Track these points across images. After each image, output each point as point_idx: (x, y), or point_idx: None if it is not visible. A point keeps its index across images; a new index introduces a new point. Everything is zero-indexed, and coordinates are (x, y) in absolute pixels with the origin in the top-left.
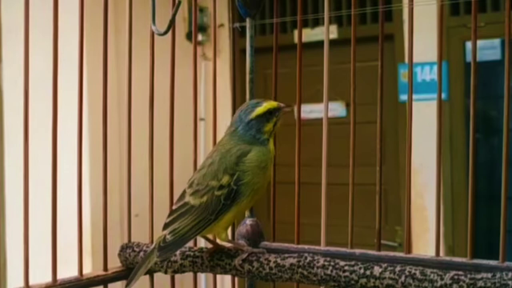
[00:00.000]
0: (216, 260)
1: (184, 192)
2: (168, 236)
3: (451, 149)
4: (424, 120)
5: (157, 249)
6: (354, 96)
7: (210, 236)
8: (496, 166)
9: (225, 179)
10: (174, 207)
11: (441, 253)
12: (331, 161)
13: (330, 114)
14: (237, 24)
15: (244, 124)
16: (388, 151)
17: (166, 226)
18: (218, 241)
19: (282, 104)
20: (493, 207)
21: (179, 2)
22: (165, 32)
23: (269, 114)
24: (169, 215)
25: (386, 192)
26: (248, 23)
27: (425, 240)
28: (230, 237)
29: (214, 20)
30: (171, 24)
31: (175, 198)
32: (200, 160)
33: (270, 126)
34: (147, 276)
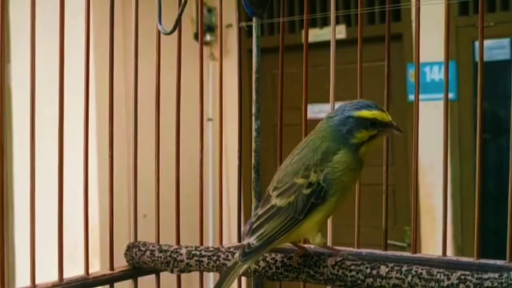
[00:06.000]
0: (223, 260)
1: (269, 196)
2: (253, 242)
3: (460, 149)
4: (433, 120)
5: (241, 254)
6: (361, 96)
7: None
8: (505, 166)
9: (314, 177)
10: (260, 212)
11: (451, 253)
12: None
13: None
14: (243, 24)
15: (342, 117)
16: (397, 151)
17: (252, 232)
18: (307, 245)
19: (394, 123)
20: (503, 207)
21: (185, 1)
22: (171, 32)
23: (372, 123)
24: (255, 221)
25: (395, 192)
26: (254, 22)
27: (434, 240)
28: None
29: (220, 20)
30: (177, 24)
31: (182, 197)
32: (207, 160)
33: (365, 136)
34: (153, 276)
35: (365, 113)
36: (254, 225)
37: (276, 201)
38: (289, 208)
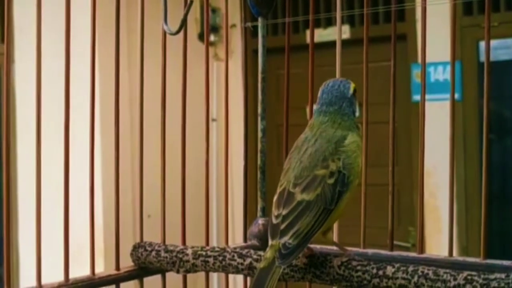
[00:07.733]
0: (229, 260)
1: (290, 194)
2: (289, 241)
3: (465, 149)
4: (437, 120)
5: (278, 257)
6: (366, 96)
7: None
8: (509, 166)
9: (333, 165)
10: (284, 212)
11: (455, 253)
12: None
13: None
14: (248, 24)
15: (346, 99)
16: (401, 151)
17: (282, 233)
18: (312, 246)
19: None
20: (507, 208)
21: (191, 2)
22: (177, 32)
23: (355, 91)
24: (282, 222)
25: (399, 193)
26: (260, 22)
27: (438, 241)
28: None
29: (226, 21)
30: (183, 24)
31: (187, 197)
32: (212, 161)
33: (356, 104)
34: (159, 276)
35: (352, 83)
36: (282, 226)
37: (302, 196)
38: (319, 200)
